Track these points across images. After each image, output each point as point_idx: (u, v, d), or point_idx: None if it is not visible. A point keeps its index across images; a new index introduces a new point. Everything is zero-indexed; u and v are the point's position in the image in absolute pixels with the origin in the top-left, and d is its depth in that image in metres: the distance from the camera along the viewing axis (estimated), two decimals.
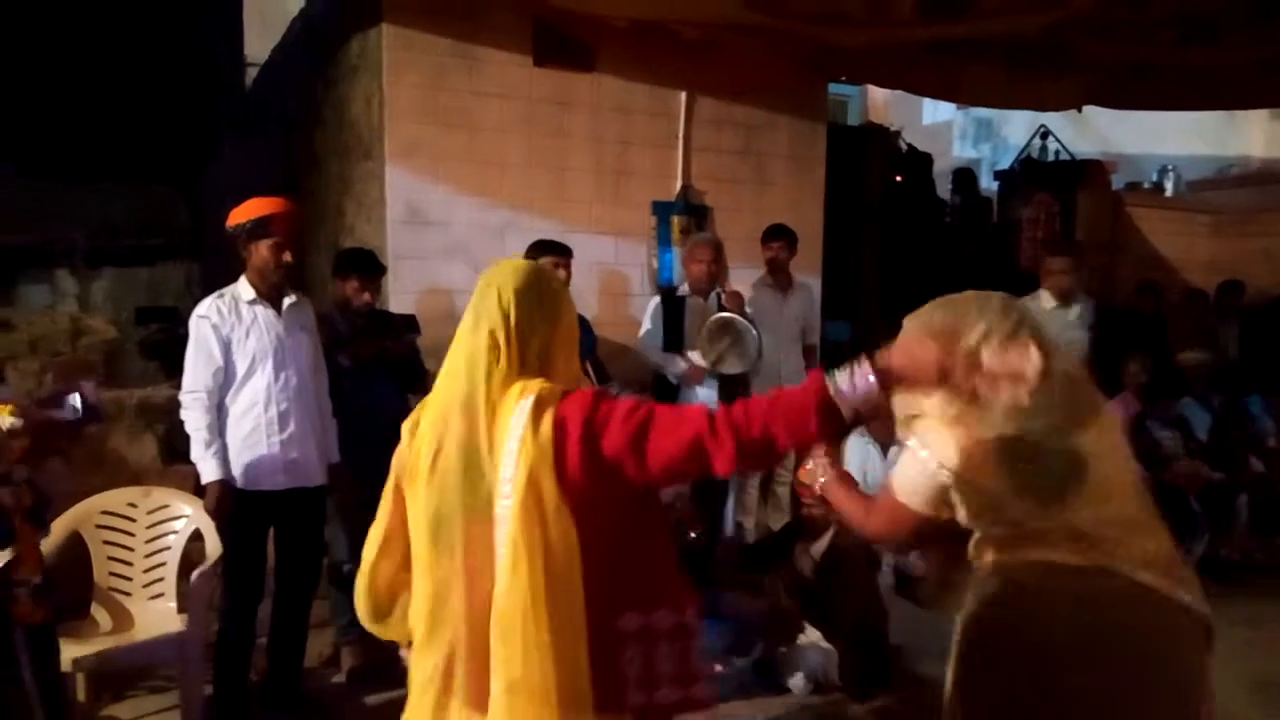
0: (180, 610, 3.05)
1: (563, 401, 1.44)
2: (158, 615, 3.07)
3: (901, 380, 1.44)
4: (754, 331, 4.10)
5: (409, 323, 3.88)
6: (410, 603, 1.62)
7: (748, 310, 4.27)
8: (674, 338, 4.29)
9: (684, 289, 4.40)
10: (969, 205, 8.20)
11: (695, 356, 4.18)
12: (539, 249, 3.83)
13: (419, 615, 1.58)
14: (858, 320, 6.83)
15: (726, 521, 4.63)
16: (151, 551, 3.16)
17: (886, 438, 4.59)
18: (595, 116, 4.81)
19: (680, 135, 5.03)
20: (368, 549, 1.69)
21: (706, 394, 4.12)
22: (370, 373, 3.58)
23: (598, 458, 1.42)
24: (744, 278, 4.85)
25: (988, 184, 8.99)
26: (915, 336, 1.59)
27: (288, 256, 3.01)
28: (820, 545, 3.63)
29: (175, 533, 3.16)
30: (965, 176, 8.37)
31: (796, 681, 3.40)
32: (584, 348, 3.73)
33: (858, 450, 4.60)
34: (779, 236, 4.70)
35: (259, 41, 7.58)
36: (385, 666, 3.69)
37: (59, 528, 2.87)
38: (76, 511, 3.07)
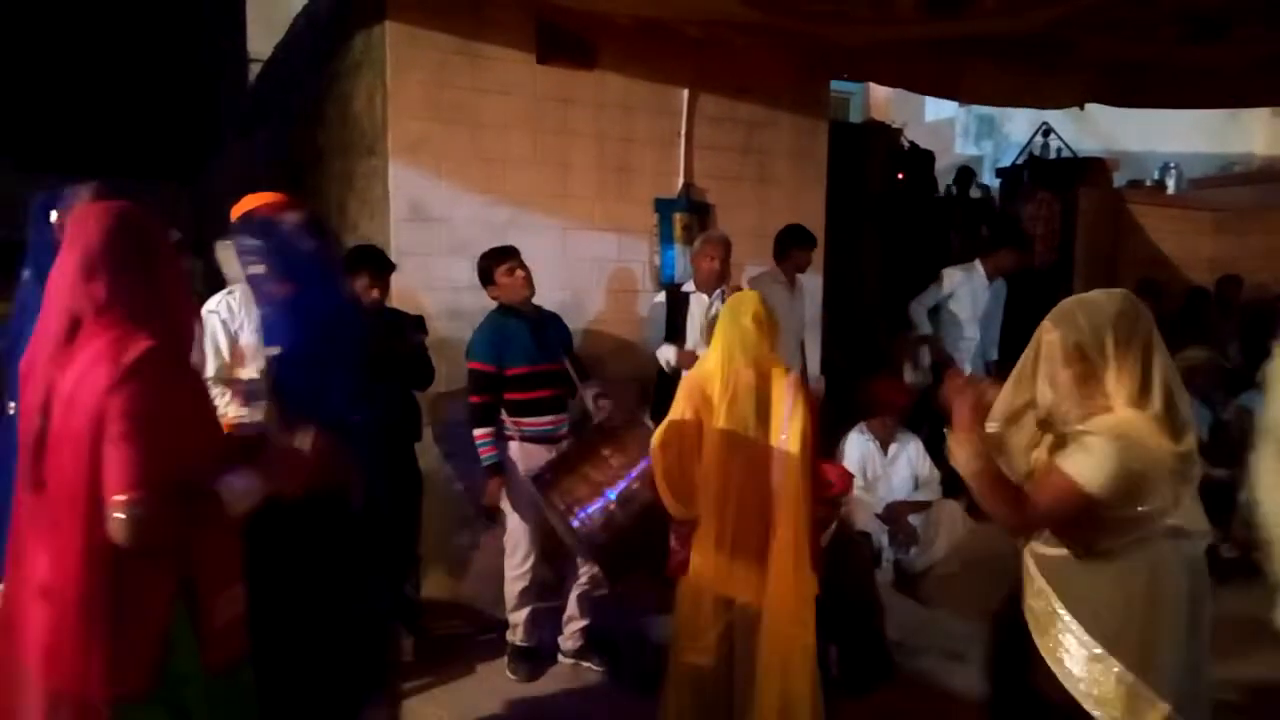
0: None
1: (804, 388, 2.69)
2: None
3: None
4: None
5: (418, 323, 3.90)
6: (702, 489, 2.63)
7: None
8: (676, 333, 4.32)
9: (689, 285, 4.42)
10: (966, 203, 8.21)
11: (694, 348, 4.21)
12: (490, 258, 3.78)
13: (708, 496, 2.61)
14: (858, 318, 6.85)
15: None
16: None
17: (885, 435, 4.62)
18: (598, 114, 4.82)
19: (682, 133, 5.04)
20: (655, 446, 2.70)
21: None
22: (378, 371, 3.60)
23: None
24: (745, 274, 4.87)
25: (990, 181, 8.99)
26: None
27: None
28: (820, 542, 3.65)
29: None
30: (966, 175, 8.38)
31: None
32: (557, 344, 3.77)
33: (857, 446, 4.63)
34: (813, 244, 4.88)
35: (262, 38, 7.58)
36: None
37: None
38: None
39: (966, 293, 5.42)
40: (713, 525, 2.60)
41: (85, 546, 1.60)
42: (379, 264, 3.72)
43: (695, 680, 2.69)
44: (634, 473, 2.99)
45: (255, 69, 7.67)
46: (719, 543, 2.58)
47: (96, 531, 1.59)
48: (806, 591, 2.59)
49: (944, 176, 8.65)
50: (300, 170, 5.82)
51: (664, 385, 4.26)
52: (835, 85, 5.98)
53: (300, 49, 5.83)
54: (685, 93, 5.01)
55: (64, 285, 1.71)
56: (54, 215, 2.06)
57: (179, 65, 10.86)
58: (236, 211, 3.05)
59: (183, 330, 1.83)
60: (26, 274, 2.17)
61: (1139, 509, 1.93)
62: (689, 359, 4.19)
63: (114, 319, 1.68)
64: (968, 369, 5.30)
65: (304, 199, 3.69)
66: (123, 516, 1.56)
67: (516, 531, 3.71)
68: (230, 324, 3.03)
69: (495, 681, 3.66)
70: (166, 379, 1.67)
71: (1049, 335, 2.04)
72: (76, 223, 1.77)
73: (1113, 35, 4.21)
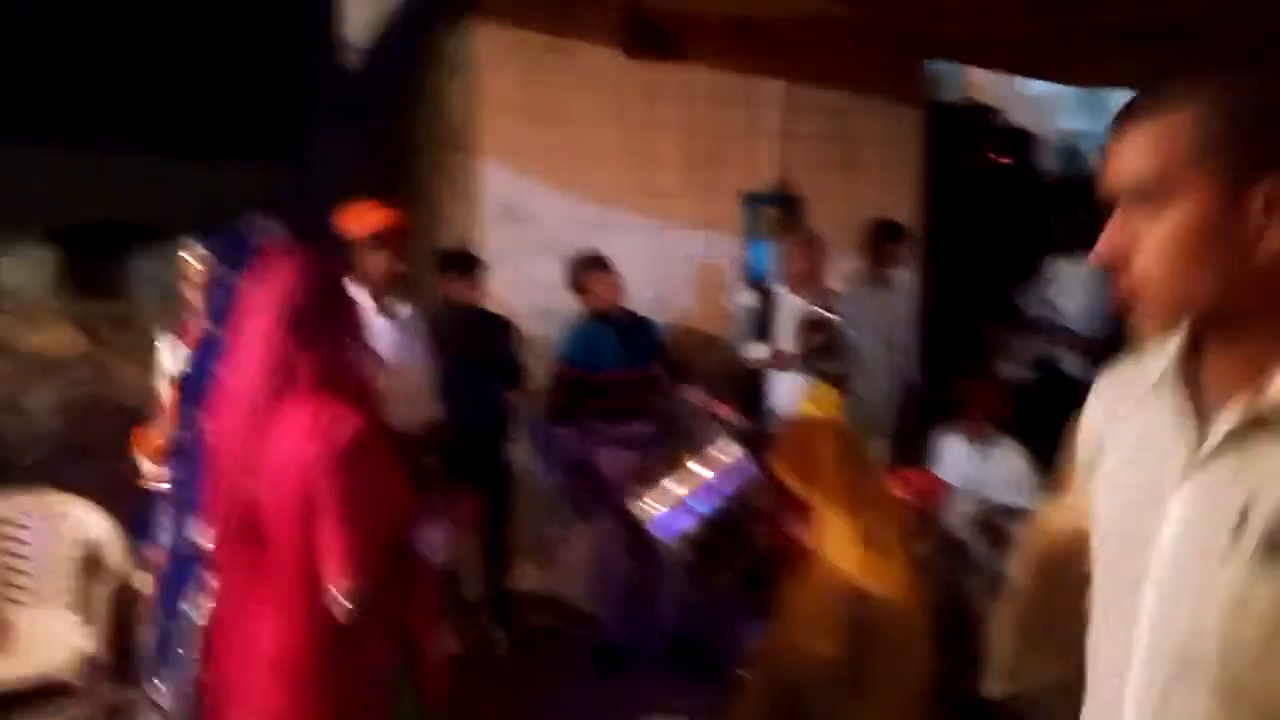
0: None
1: None
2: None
3: None
4: (845, 333, 4.05)
5: (509, 326, 3.96)
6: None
7: (847, 309, 4.19)
8: (765, 332, 4.28)
9: (779, 284, 4.35)
10: (1070, 184, 7.85)
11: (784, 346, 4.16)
12: (581, 267, 3.81)
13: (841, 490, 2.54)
14: (956, 309, 6.64)
15: None
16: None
17: (980, 437, 4.48)
18: (687, 108, 4.77)
19: (771, 124, 4.94)
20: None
21: (791, 382, 4.07)
22: (471, 372, 3.69)
23: None
24: (835, 271, 4.76)
25: (1096, 158, 8.59)
26: None
27: (401, 266, 3.16)
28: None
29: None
30: (1071, 154, 8.03)
31: None
32: (648, 350, 3.77)
33: (951, 449, 4.50)
34: (902, 237, 4.63)
35: (360, 23, 7.70)
36: (484, 651, 3.86)
37: None
38: None
39: (1072, 285, 5.12)
40: (845, 521, 2.53)
41: (309, 619, 1.65)
42: (473, 266, 3.80)
43: (789, 677, 2.60)
44: (725, 488, 2.98)
45: (353, 56, 7.80)
46: (852, 536, 2.52)
47: (318, 604, 1.63)
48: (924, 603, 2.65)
49: (1046, 152, 8.31)
50: (397, 159, 5.93)
51: (753, 385, 4.24)
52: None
53: (395, 39, 5.91)
54: (776, 84, 4.91)
55: (263, 342, 1.70)
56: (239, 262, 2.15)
57: (281, 47, 11.15)
58: (350, 225, 3.16)
59: (374, 389, 1.84)
60: (209, 322, 2.28)
61: None
62: (784, 361, 4.14)
63: (318, 383, 1.68)
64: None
65: (403, 196, 3.78)
66: (347, 602, 1.61)
67: (604, 532, 3.76)
68: None
69: (583, 675, 3.75)
70: (373, 451, 1.68)
71: None
72: (275, 277, 1.75)
73: (1256, 24, 3.91)
